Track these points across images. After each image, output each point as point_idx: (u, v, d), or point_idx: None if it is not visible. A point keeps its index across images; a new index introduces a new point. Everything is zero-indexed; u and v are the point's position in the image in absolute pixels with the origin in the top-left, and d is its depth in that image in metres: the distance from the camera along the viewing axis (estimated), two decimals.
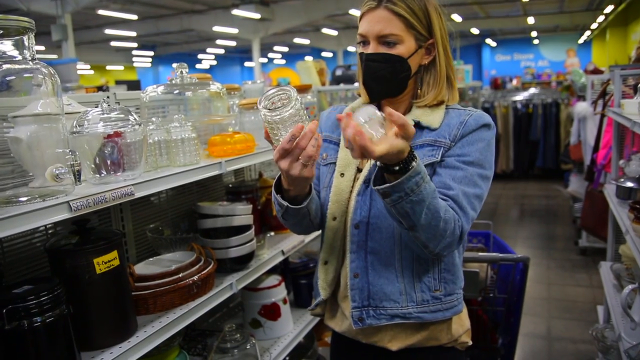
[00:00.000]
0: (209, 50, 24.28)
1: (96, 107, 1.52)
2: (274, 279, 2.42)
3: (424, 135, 1.35)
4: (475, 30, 19.91)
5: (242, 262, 2.05)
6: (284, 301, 2.41)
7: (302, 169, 1.17)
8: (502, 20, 18.97)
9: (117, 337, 1.50)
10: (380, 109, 1.46)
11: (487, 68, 23.02)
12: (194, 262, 1.83)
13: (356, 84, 1.48)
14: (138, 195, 1.46)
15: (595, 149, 4.13)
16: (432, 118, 1.35)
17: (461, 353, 1.50)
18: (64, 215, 1.26)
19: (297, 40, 21.06)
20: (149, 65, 26.53)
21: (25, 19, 1.30)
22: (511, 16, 18.20)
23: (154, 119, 1.82)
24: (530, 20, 17.74)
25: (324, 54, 24.27)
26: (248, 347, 2.09)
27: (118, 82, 13.17)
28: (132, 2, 14.03)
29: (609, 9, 14.86)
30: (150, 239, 2.07)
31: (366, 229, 1.37)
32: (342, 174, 1.43)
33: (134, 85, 12.26)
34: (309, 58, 19.30)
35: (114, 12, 13.97)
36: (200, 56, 26.36)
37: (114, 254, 1.48)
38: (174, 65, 2.01)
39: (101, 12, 13.72)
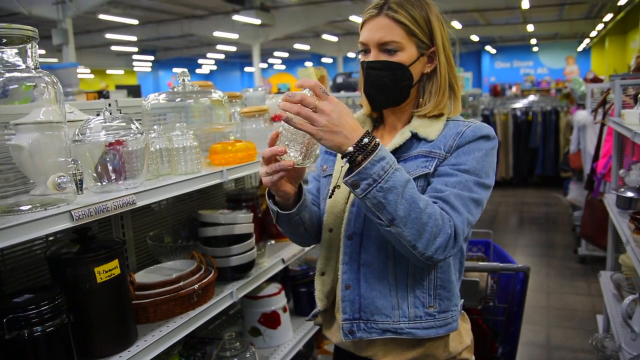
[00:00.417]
0: (209, 55, 24.32)
1: (98, 115, 1.53)
2: (274, 287, 2.41)
3: (420, 147, 1.32)
4: (475, 38, 19.97)
5: (243, 270, 2.05)
6: (284, 309, 2.40)
7: (270, 182, 1.20)
8: (501, 28, 19.03)
9: (117, 347, 1.50)
10: (382, 119, 1.46)
11: (486, 75, 23.07)
12: (195, 270, 1.83)
13: (357, 92, 1.48)
14: (140, 204, 1.46)
15: (595, 157, 4.13)
16: (430, 130, 1.32)
17: None
18: (65, 224, 1.26)
19: (297, 46, 21.10)
20: (149, 69, 26.56)
21: (30, 27, 1.30)
22: (511, 24, 18.26)
23: (155, 127, 1.82)
24: (530, 27, 17.81)
25: (324, 59, 24.32)
26: (248, 355, 2.09)
27: (118, 87, 13.17)
28: (132, 6, 14.06)
29: (608, 17, 14.93)
30: (150, 247, 2.07)
31: (360, 240, 1.34)
32: (338, 186, 1.41)
33: (135, 90, 12.25)
34: (309, 64, 19.39)
35: (114, 16, 13.99)
36: (200, 61, 26.42)
37: (115, 262, 1.48)
38: (176, 71, 2.01)
39: (102, 16, 13.75)
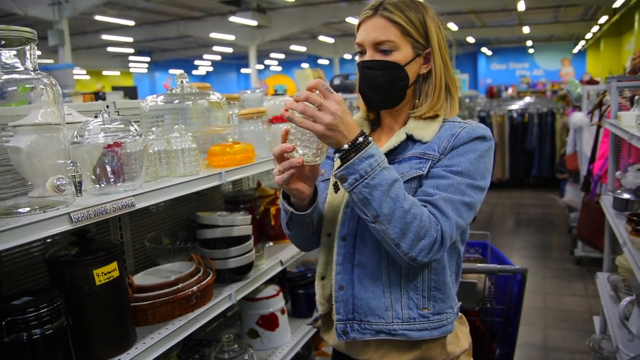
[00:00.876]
0: (205, 56, 24.31)
1: (96, 117, 1.52)
2: (272, 289, 2.41)
3: (415, 148, 1.32)
4: (471, 39, 20.03)
5: (241, 272, 2.05)
6: (282, 311, 2.40)
7: (282, 180, 1.20)
8: (497, 30, 19.11)
9: (116, 349, 1.49)
10: (379, 121, 1.46)
11: (482, 77, 23.14)
12: (193, 272, 1.83)
13: (355, 94, 1.48)
14: (139, 206, 1.46)
15: (592, 159, 4.15)
16: (425, 131, 1.32)
17: None
18: (65, 227, 1.25)
19: (294, 48, 21.12)
20: (146, 71, 26.50)
21: (28, 29, 1.30)
22: (507, 25, 18.33)
23: (154, 128, 1.81)
24: (526, 29, 17.88)
25: (320, 61, 24.34)
26: (246, 357, 2.08)
27: (115, 88, 13.15)
28: (129, 8, 14.04)
29: (603, 19, 15.01)
30: (148, 249, 2.07)
31: (353, 241, 1.34)
32: (335, 190, 1.42)
33: (131, 92, 12.23)
34: (305, 65, 19.34)
35: (111, 17, 13.96)
36: (196, 62, 26.40)
37: (114, 265, 1.47)
38: (172, 72, 2.01)
39: (98, 17, 13.72)
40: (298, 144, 1.18)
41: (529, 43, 21.94)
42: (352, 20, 12.79)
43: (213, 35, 16.16)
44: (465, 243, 1.44)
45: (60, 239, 1.72)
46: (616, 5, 11.90)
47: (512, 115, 9.29)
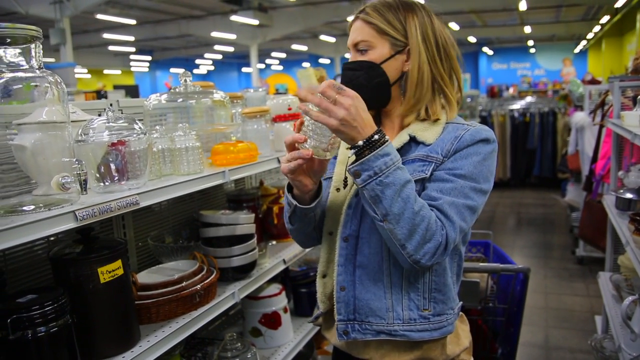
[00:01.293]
0: (206, 55, 24.29)
1: (99, 115, 1.52)
2: (275, 288, 2.41)
3: (418, 150, 1.32)
4: (472, 39, 20.01)
5: (244, 271, 2.05)
6: (285, 310, 2.41)
7: (287, 169, 1.21)
8: (499, 29, 19.08)
9: (120, 347, 1.49)
10: (380, 121, 1.46)
11: (483, 76, 23.12)
12: (197, 271, 1.83)
13: None
14: (143, 204, 1.46)
15: (594, 159, 4.14)
16: (428, 133, 1.32)
17: None
18: (70, 225, 1.26)
19: (295, 47, 21.10)
20: (147, 69, 26.49)
21: (33, 27, 1.30)
22: (508, 25, 18.30)
23: (157, 127, 1.82)
24: (527, 29, 17.85)
25: (321, 60, 24.33)
26: (249, 356, 2.09)
27: (116, 87, 13.15)
28: (130, 6, 14.04)
29: (604, 19, 14.98)
30: (151, 247, 2.07)
31: (355, 242, 1.35)
32: (337, 189, 1.42)
33: (133, 90, 12.24)
34: (306, 64, 19.38)
35: (112, 16, 13.95)
36: (197, 61, 26.37)
37: (118, 263, 1.48)
38: (173, 71, 2.01)
39: (100, 16, 13.72)
40: (310, 135, 1.19)
41: (531, 43, 21.91)
42: None
43: (214, 34, 16.15)
44: (466, 244, 1.44)
45: (63, 237, 1.72)
46: (618, 5, 11.88)
47: (513, 114, 9.29)
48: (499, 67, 23.62)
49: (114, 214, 1.37)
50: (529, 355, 3.64)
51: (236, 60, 27.31)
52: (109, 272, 1.44)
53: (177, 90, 1.99)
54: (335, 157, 1.48)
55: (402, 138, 1.34)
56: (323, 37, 19.60)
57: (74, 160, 1.31)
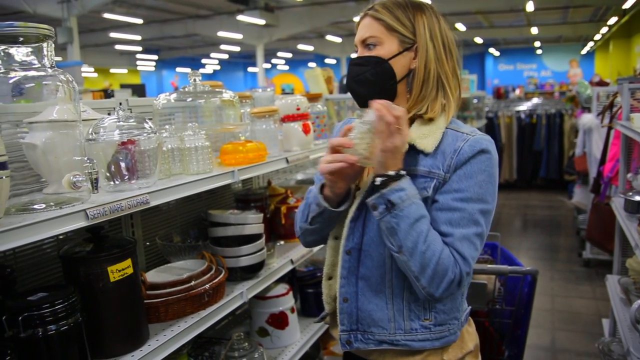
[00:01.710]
0: (212, 55, 24.31)
1: (109, 114, 1.53)
2: (282, 288, 2.41)
3: (418, 163, 1.31)
4: (478, 40, 19.95)
5: (253, 271, 2.05)
6: (292, 310, 2.40)
7: (327, 170, 1.25)
8: (505, 30, 19.01)
9: (129, 346, 1.50)
10: None
11: (489, 77, 23.05)
12: (206, 270, 1.83)
13: None
14: (153, 203, 1.46)
15: (602, 161, 4.12)
16: (427, 141, 1.31)
17: None
18: (81, 223, 1.26)
19: (301, 47, 21.11)
20: (153, 69, 26.54)
21: (46, 26, 1.30)
22: (515, 26, 18.24)
23: (167, 126, 1.82)
24: (534, 30, 17.79)
25: (327, 60, 24.31)
26: (256, 356, 2.09)
27: (123, 86, 13.19)
28: (137, 6, 14.08)
29: (612, 20, 14.91)
30: (160, 246, 2.07)
31: (358, 255, 1.36)
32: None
33: (139, 89, 12.28)
34: (312, 64, 19.37)
35: (119, 15, 14.00)
36: (203, 61, 26.40)
37: (128, 262, 1.48)
38: (179, 70, 2.01)
39: (107, 15, 13.77)
40: (357, 142, 1.23)
41: (537, 44, 21.83)
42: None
43: (221, 33, 16.17)
44: None
45: (72, 235, 1.73)
46: (626, 6, 11.83)
47: (520, 116, 9.26)
48: (506, 68, 23.54)
49: (124, 212, 1.37)
50: (536, 357, 3.63)
51: (242, 60, 27.33)
52: (119, 271, 1.45)
53: (186, 89, 2.00)
54: None
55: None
56: (329, 37, 19.59)
57: (86, 159, 1.31)
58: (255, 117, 2.17)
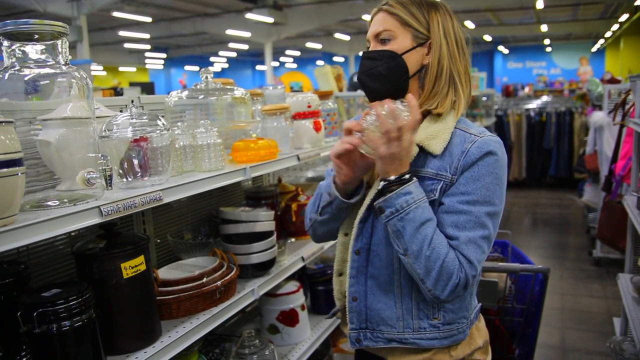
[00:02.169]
0: (221, 53, 24.36)
1: (121, 111, 1.53)
2: (293, 285, 2.41)
3: (427, 164, 1.31)
4: (487, 37, 19.86)
5: (264, 268, 2.05)
6: (302, 307, 2.41)
7: (335, 151, 1.29)
8: (515, 28, 18.91)
9: (142, 342, 1.50)
10: None
11: (498, 75, 22.93)
12: (217, 267, 1.83)
13: None
14: (166, 200, 1.47)
15: (614, 159, 4.09)
16: (436, 142, 1.30)
17: None
18: (95, 220, 1.26)
19: (309, 45, 21.10)
20: (161, 67, 26.63)
21: (60, 24, 1.31)
22: (524, 23, 18.14)
23: (179, 123, 1.82)
24: (544, 27, 17.67)
25: (335, 58, 24.28)
26: (267, 353, 2.09)
27: (132, 84, 13.24)
28: (146, 4, 14.13)
29: (623, 17, 14.78)
30: (171, 243, 2.08)
31: (367, 255, 1.37)
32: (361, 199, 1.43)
33: (148, 87, 12.31)
34: (320, 62, 19.36)
35: (128, 14, 14.06)
36: (212, 59, 26.44)
37: (141, 258, 1.48)
38: (188, 69, 2.02)
39: (116, 14, 13.83)
40: (366, 126, 1.25)
41: (547, 41, 21.69)
42: (368, 18, 12.74)
43: (229, 32, 16.19)
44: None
45: (84, 232, 1.74)
46: (638, 2, 11.72)
47: (529, 114, 9.21)
48: (515, 66, 23.42)
49: (137, 209, 1.37)
50: (546, 356, 3.61)
51: (250, 58, 27.37)
52: (132, 268, 1.45)
53: (198, 87, 2.00)
54: None
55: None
56: (337, 35, 19.57)
57: (100, 155, 1.31)
58: (267, 114, 2.17)
